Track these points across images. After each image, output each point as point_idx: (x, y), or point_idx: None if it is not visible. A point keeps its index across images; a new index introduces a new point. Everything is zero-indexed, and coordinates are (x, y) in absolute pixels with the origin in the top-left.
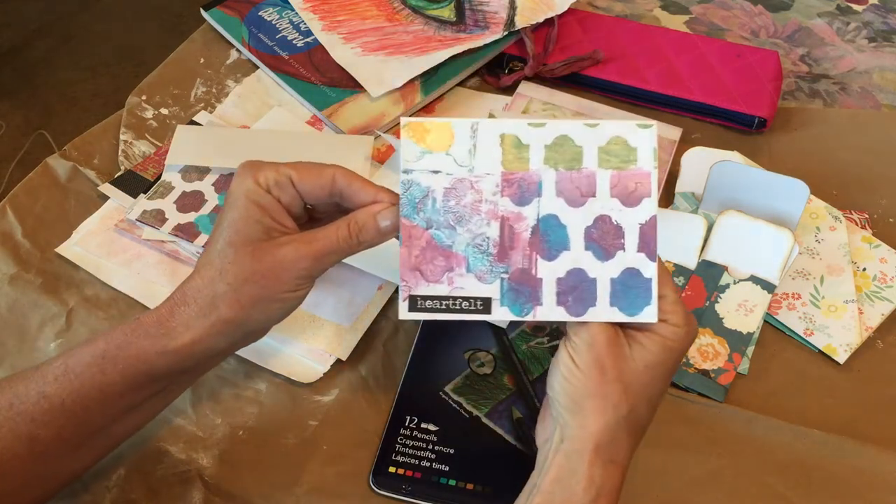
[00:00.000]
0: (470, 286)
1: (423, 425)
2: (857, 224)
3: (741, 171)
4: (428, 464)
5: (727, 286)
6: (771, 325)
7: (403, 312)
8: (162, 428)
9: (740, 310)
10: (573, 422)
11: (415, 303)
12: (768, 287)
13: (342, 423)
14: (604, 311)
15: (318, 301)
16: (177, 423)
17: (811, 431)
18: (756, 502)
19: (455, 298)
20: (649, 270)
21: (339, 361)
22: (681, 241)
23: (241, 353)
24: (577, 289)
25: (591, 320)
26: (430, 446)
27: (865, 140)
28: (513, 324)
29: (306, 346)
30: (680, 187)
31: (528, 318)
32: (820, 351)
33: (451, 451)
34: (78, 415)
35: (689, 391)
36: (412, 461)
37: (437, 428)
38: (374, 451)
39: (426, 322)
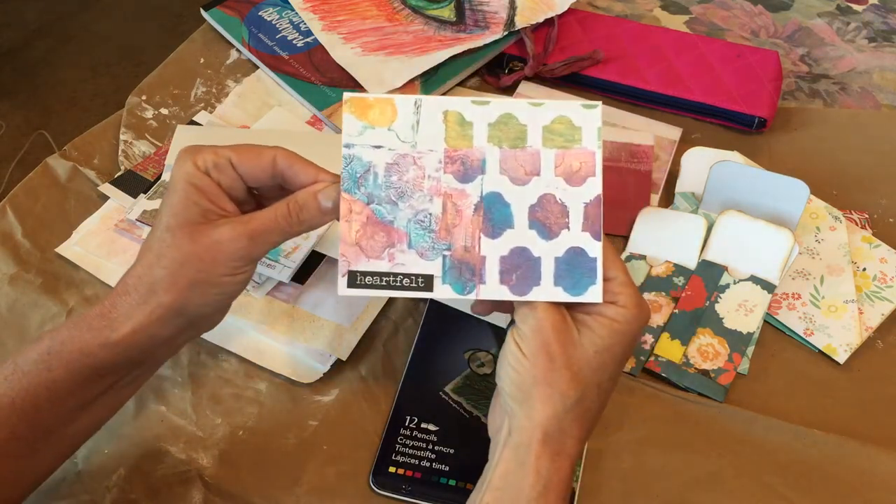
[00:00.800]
0: (411, 263)
1: (423, 425)
2: (857, 224)
3: (741, 171)
4: (428, 464)
5: (727, 286)
6: (771, 325)
7: (342, 288)
8: (162, 428)
9: (740, 310)
10: (520, 412)
11: (354, 278)
12: (768, 287)
13: (342, 423)
14: (548, 290)
15: (318, 301)
16: (177, 423)
17: (811, 431)
18: (756, 502)
19: (396, 275)
20: (594, 250)
21: (339, 361)
22: (681, 241)
23: (241, 353)
24: (520, 268)
25: (535, 300)
26: (430, 446)
27: (865, 140)
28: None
29: (306, 346)
30: (680, 187)
31: (471, 296)
32: (820, 351)
33: (451, 451)
34: (29, 414)
35: (689, 391)
36: (412, 461)
37: (437, 428)
38: (374, 451)
39: (426, 322)
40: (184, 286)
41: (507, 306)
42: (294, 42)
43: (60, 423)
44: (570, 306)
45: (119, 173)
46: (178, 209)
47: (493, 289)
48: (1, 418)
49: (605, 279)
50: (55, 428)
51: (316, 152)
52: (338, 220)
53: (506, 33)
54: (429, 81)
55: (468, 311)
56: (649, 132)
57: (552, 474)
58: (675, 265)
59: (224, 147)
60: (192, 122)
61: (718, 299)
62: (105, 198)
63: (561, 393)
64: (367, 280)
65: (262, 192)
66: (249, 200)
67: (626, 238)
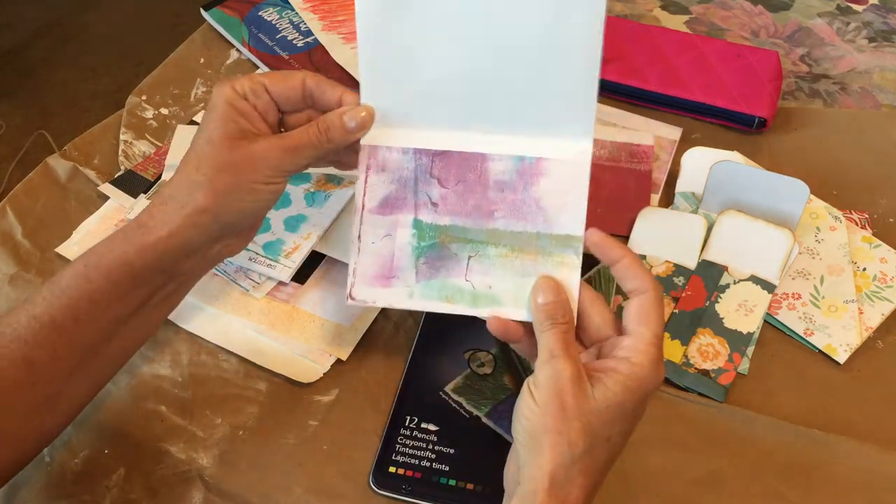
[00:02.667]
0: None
1: (423, 425)
2: (857, 224)
3: (741, 171)
4: (428, 464)
5: (727, 286)
6: (771, 325)
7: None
8: (162, 428)
9: (740, 310)
10: (530, 461)
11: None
12: (768, 287)
13: (342, 423)
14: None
15: (318, 301)
16: (177, 423)
17: (811, 431)
18: (756, 502)
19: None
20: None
21: (339, 361)
22: (681, 240)
23: (241, 353)
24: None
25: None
26: (430, 446)
27: (865, 140)
28: None
29: (306, 346)
30: (680, 187)
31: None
32: (820, 351)
33: (451, 451)
34: (69, 329)
35: (689, 391)
36: (412, 461)
37: (437, 428)
38: (374, 451)
39: (426, 322)
40: (221, 190)
41: (516, 335)
42: (294, 42)
43: (99, 339)
44: (587, 362)
45: (119, 173)
46: (218, 124)
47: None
48: (41, 337)
49: (633, 333)
50: (94, 345)
51: None
52: (358, 149)
53: None
54: None
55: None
56: (649, 132)
57: None
58: (675, 265)
59: (258, 74)
60: (192, 122)
61: (718, 299)
62: (105, 198)
63: (570, 442)
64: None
65: (292, 121)
66: (279, 128)
67: (626, 238)
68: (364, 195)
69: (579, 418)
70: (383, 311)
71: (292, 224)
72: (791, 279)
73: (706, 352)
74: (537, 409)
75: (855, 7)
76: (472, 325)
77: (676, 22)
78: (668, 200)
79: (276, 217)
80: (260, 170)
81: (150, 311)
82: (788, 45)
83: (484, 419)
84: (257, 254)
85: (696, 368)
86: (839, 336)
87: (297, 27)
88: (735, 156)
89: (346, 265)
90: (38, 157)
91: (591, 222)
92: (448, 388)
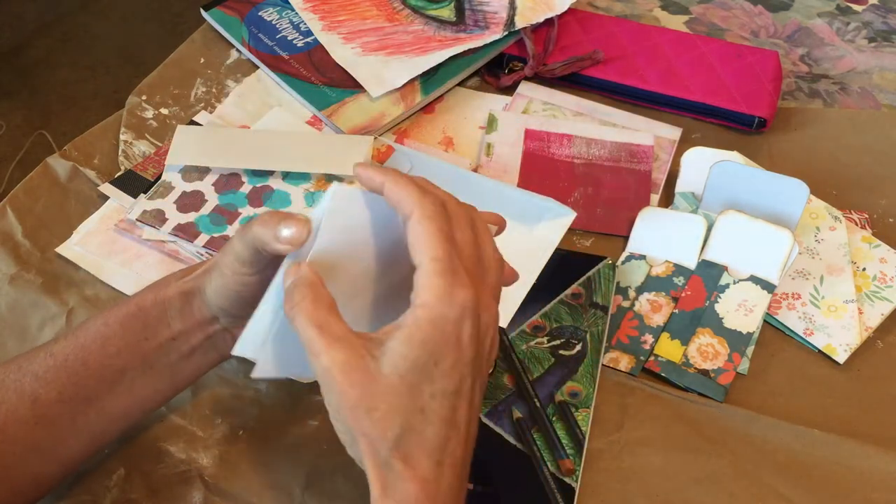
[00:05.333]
0: None
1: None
2: (857, 224)
3: (741, 171)
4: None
5: (727, 286)
6: (771, 325)
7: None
8: (162, 428)
9: (740, 310)
10: (370, 485)
11: None
12: (768, 287)
13: None
14: None
15: None
16: (177, 423)
17: (811, 431)
18: (756, 502)
19: None
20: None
21: None
22: (681, 241)
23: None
24: None
25: None
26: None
27: (865, 140)
28: (512, 324)
29: None
30: (680, 187)
31: None
32: (820, 351)
33: None
34: (78, 372)
35: (689, 391)
36: None
37: None
38: None
39: None
40: (206, 269)
41: None
42: (294, 42)
43: (103, 390)
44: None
45: (119, 173)
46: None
47: None
48: (51, 374)
49: (415, 269)
50: (97, 395)
51: (316, 152)
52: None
53: (506, 33)
54: (429, 81)
55: None
56: (649, 132)
57: None
58: (675, 265)
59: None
60: (192, 122)
61: (718, 299)
62: (105, 198)
63: (377, 437)
64: None
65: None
66: None
67: (625, 238)
68: None
69: (377, 406)
70: None
71: None
72: (791, 279)
73: (706, 352)
74: (338, 422)
75: (855, 7)
76: None
77: (676, 22)
78: (668, 200)
79: None
80: (228, 254)
81: (154, 376)
82: (788, 45)
83: (484, 419)
84: None
85: (695, 368)
86: (839, 336)
87: (297, 27)
88: (735, 156)
89: None
90: (38, 157)
91: (591, 222)
92: None
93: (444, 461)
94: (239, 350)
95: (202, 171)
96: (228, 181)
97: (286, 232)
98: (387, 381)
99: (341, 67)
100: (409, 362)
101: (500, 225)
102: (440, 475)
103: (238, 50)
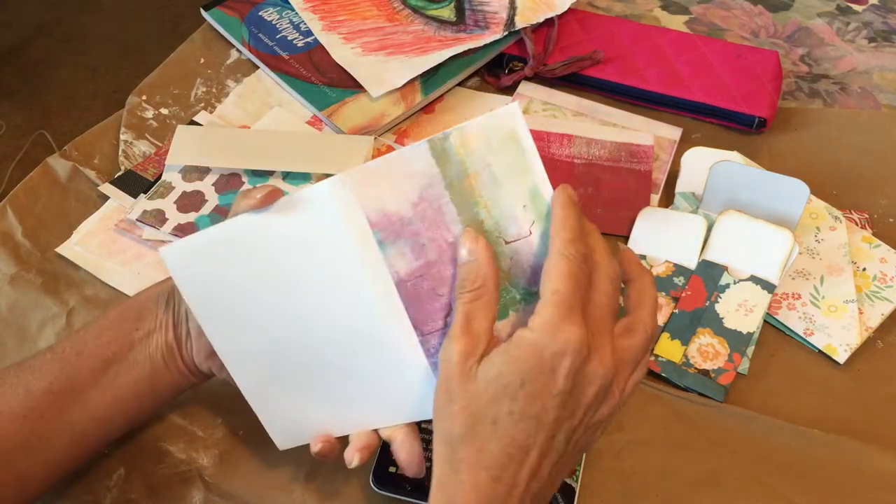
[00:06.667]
0: None
1: (424, 424)
2: (857, 224)
3: (741, 171)
4: (429, 463)
5: (727, 286)
6: (771, 325)
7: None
8: (162, 428)
9: (740, 310)
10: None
11: None
12: (768, 287)
13: None
14: None
15: None
16: (177, 423)
17: (811, 431)
18: (756, 502)
19: None
20: None
21: None
22: (681, 241)
23: None
24: None
25: None
26: (431, 446)
27: (865, 140)
28: None
29: None
30: (680, 187)
31: None
32: (820, 351)
33: None
34: (71, 361)
35: (689, 391)
36: None
37: None
38: (374, 450)
39: None
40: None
41: None
42: (294, 42)
43: (89, 381)
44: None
45: (119, 173)
46: None
47: None
48: (45, 366)
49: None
50: (83, 386)
51: (316, 152)
52: None
53: (506, 33)
54: (429, 81)
55: None
56: (649, 132)
57: None
58: (675, 265)
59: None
60: (192, 122)
61: (718, 299)
62: (105, 198)
63: (447, 429)
64: None
65: None
66: None
67: (626, 238)
68: None
69: (458, 401)
70: None
71: None
72: (791, 279)
73: (706, 352)
74: (435, 402)
75: (855, 7)
76: None
77: (676, 22)
78: (668, 200)
79: None
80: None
81: (136, 371)
82: (788, 45)
83: None
84: None
85: (696, 368)
86: (839, 336)
87: (297, 27)
88: (735, 156)
89: None
90: (38, 157)
91: (591, 222)
92: None
93: (502, 479)
94: None
95: (202, 171)
96: (228, 181)
97: (260, 193)
98: (475, 383)
99: (341, 67)
100: (498, 374)
101: (646, 279)
102: (494, 492)
103: (238, 50)
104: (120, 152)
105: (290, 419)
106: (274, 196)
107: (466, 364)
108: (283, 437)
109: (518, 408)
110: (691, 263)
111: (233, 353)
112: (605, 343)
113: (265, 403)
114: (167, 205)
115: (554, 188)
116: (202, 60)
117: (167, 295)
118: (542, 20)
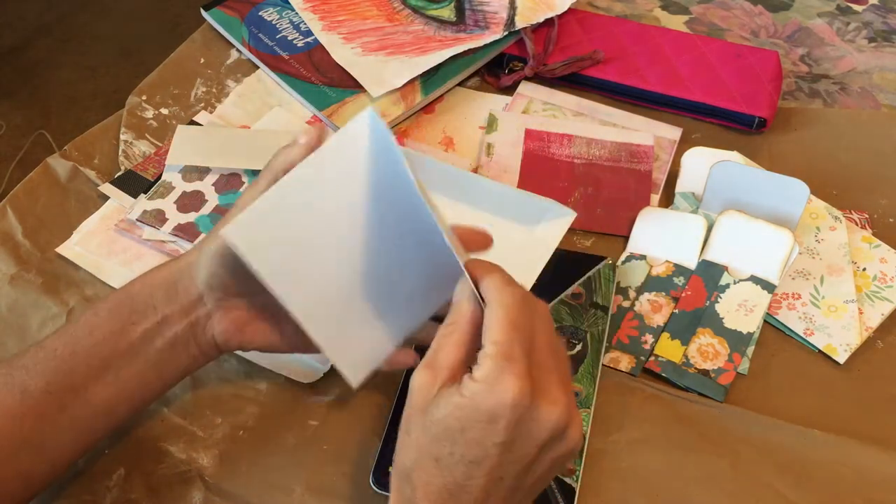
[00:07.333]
0: None
1: None
2: (857, 224)
3: (741, 171)
4: None
5: (727, 286)
6: (771, 325)
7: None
8: (162, 428)
9: (740, 310)
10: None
11: None
12: (768, 287)
13: (342, 423)
14: None
15: None
16: (177, 423)
17: (811, 431)
18: (756, 502)
19: None
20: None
21: None
22: (681, 241)
23: (242, 353)
24: None
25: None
26: None
27: (865, 140)
28: None
29: None
30: (680, 187)
31: None
32: (820, 351)
33: None
34: (66, 360)
35: (689, 391)
36: None
37: None
38: (375, 450)
39: None
40: (197, 244)
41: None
42: (294, 42)
43: (89, 378)
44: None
45: (119, 173)
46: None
47: None
48: (40, 365)
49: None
50: (83, 384)
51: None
52: None
53: (506, 33)
54: (429, 81)
55: None
56: (649, 132)
57: None
58: (675, 265)
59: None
60: (192, 122)
61: (718, 299)
62: (105, 198)
63: (403, 457)
64: None
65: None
66: None
67: (626, 238)
68: None
69: (412, 432)
70: None
71: None
72: (791, 279)
73: (706, 352)
74: (401, 426)
75: (855, 7)
76: None
77: (676, 22)
78: (668, 200)
79: None
80: (202, 254)
81: (139, 365)
82: (788, 45)
83: None
84: None
85: (696, 368)
86: (839, 336)
87: (297, 27)
88: (735, 156)
89: None
90: (38, 157)
91: (591, 222)
92: None
93: None
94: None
95: (202, 171)
96: (228, 181)
97: (303, 138)
98: (428, 418)
99: (341, 67)
100: (444, 416)
101: (486, 242)
102: None
103: (238, 50)
104: (120, 152)
105: (360, 352)
106: (319, 133)
107: (424, 397)
108: (355, 372)
109: (459, 451)
110: (691, 263)
111: (308, 310)
112: (552, 383)
113: (340, 347)
114: (167, 205)
115: (553, 187)
116: (202, 60)
117: (166, 287)
118: (542, 20)
